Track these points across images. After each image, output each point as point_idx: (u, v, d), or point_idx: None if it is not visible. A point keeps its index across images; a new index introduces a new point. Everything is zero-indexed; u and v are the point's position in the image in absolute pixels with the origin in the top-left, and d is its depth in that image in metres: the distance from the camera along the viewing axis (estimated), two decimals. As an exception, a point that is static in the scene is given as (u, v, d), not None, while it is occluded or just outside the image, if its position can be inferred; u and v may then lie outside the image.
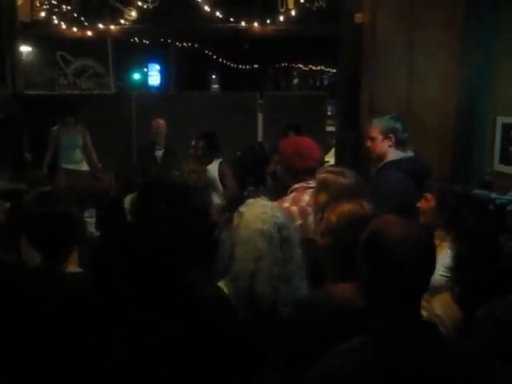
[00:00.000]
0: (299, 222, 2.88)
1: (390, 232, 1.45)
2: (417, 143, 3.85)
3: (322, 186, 2.64)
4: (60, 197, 2.12)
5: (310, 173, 3.02)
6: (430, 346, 1.36)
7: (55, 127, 6.76)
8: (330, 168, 2.82)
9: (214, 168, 5.36)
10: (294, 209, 2.92)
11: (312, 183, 2.94)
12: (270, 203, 2.21)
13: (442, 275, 2.35)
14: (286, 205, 2.94)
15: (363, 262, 1.47)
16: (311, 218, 2.80)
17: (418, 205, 2.97)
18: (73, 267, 2.18)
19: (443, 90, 5.04)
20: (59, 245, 1.98)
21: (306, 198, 2.93)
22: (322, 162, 3.42)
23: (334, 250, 1.98)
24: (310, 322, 1.83)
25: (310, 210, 2.81)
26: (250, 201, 2.20)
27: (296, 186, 3.05)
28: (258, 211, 2.15)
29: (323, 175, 2.68)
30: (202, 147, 5.48)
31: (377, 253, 1.44)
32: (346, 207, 2.10)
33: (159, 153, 6.36)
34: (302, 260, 2.17)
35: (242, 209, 2.14)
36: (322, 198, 2.59)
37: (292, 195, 3.02)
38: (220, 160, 5.58)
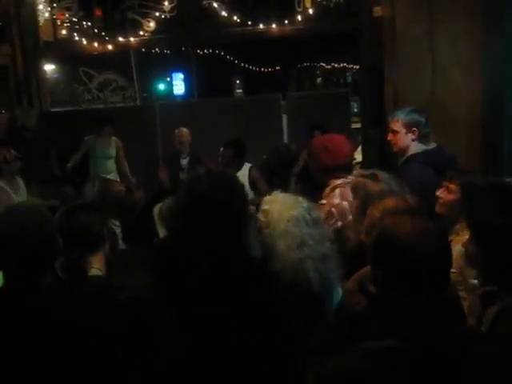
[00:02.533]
0: (350, 216, 2.83)
1: (401, 231, 1.39)
2: (443, 134, 3.78)
3: (353, 191, 2.62)
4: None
5: (341, 169, 3.00)
6: (458, 346, 1.29)
7: (91, 136, 6.88)
8: (362, 172, 2.78)
9: (243, 174, 5.34)
10: (346, 204, 2.89)
11: (347, 179, 2.92)
12: (286, 193, 2.20)
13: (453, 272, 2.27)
14: (337, 201, 2.92)
15: (376, 266, 1.41)
16: None
17: (438, 193, 2.85)
18: (95, 271, 2.21)
19: (467, 78, 4.93)
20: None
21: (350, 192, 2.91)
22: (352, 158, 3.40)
23: None
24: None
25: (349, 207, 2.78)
26: (268, 198, 2.18)
27: (337, 181, 3.02)
28: (281, 201, 2.14)
29: (354, 181, 2.66)
30: (230, 155, 5.49)
31: (389, 253, 1.38)
32: (390, 202, 2.07)
33: (184, 161, 6.39)
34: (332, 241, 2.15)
35: (264, 207, 2.12)
36: (354, 203, 2.61)
37: (338, 191, 2.99)
38: (250, 165, 5.58)
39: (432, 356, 1.28)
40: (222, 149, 5.56)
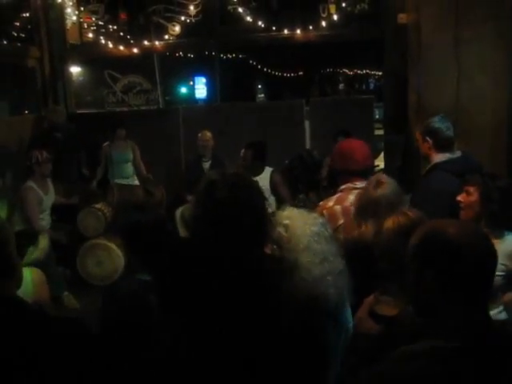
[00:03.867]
0: (341, 221, 2.92)
1: (449, 232, 1.38)
2: (469, 142, 3.76)
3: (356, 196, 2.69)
4: None
5: (353, 174, 3.04)
6: (501, 349, 1.29)
7: (106, 143, 6.91)
8: (381, 176, 2.82)
9: (265, 177, 5.36)
10: (338, 208, 3.00)
11: (359, 184, 2.96)
12: (300, 209, 2.23)
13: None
14: (330, 204, 3.03)
15: (426, 267, 1.39)
16: None
17: (458, 198, 2.84)
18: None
19: (493, 86, 4.90)
20: None
21: (351, 197, 2.97)
22: (371, 165, 3.42)
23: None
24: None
25: (353, 209, 2.83)
26: (285, 213, 2.18)
27: (343, 186, 3.11)
28: (301, 217, 2.14)
29: (370, 179, 2.72)
30: (250, 156, 5.51)
31: (441, 253, 1.36)
32: (390, 223, 2.09)
33: (207, 165, 6.42)
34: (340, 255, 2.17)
35: (284, 222, 2.13)
36: (354, 206, 2.72)
37: (337, 195, 3.09)
38: (271, 169, 5.59)
39: (485, 354, 1.28)
40: (243, 150, 5.60)
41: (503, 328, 1.37)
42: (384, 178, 2.71)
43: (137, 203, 5.91)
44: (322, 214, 2.98)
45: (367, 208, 2.58)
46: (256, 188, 1.69)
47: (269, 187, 5.31)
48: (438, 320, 1.36)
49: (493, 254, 1.39)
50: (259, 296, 1.56)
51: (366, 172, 3.14)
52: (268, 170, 5.56)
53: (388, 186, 2.63)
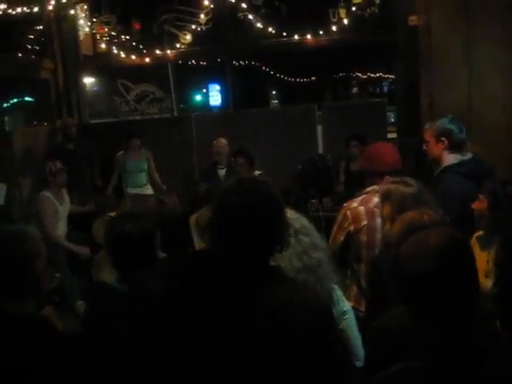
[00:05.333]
0: (365, 222, 2.91)
1: (404, 245, 1.37)
2: (481, 144, 3.73)
3: (385, 198, 2.66)
4: None
5: (381, 176, 3.03)
6: (478, 365, 1.26)
7: (120, 152, 6.95)
8: (392, 179, 2.82)
9: None
10: (361, 209, 3.03)
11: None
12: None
13: None
14: (354, 205, 3.03)
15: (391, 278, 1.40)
16: (379, 220, 2.85)
17: (473, 206, 2.82)
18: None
19: (505, 88, 4.86)
20: None
21: (376, 200, 2.97)
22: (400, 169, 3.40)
23: None
24: (384, 347, 1.77)
25: (377, 211, 2.86)
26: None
27: (369, 188, 3.14)
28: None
29: (385, 187, 2.69)
30: (244, 163, 5.56)
31: (393, 269, 1.37)
32: (406, 217, 2.08)
33: (222, 172, 6.41)
34: (326, 247, 2.18)
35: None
36: (386, 209, 2.63)
37: (362, 197, 3.12)
38: (259, 173, 5.63)
39: (445, 371, 1.25)
40: (232, 159, 5.63)
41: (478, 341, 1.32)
42: (404, 178, 2.71)
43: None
44: (345, 215, 3.00)
45: (407, 203, 2.51)
46: (273, 195, 1.65)
47: None
48: (411, 337, 1.34)
49: (449, 270, 1.33)
50: (270, 308, 1.54)
51: (393, 175, 3.14)
52: (256, 174, 5.60)
53: (412, 181, 2.63)
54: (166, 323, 1.56)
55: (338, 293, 2.36)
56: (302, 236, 2.11)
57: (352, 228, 3.00)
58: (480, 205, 2.76)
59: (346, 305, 2.38)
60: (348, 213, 3.02)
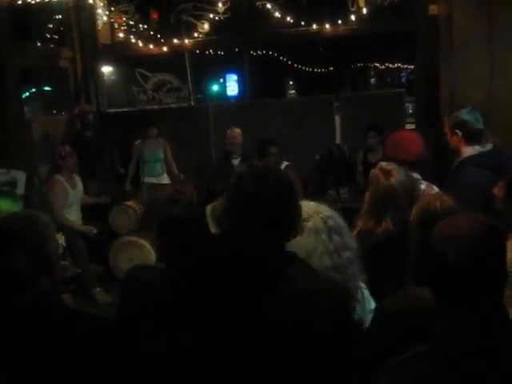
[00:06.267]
0: None
1: (438, 229, 1.32)
2: (502, 136, 3.67)
3: (370, 182, 2.74)
4: None
5: (405, 165, 3.02)
6: (495, 357, 1.22)
7: (138, 141, 6.97)
8: (383, 164, 2.82)
9: None
10: None
11: None
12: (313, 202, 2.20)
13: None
14: None
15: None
16: None
17: (494, 191, 2.75)
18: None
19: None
20: None
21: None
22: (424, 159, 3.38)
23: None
24: (393, 330, 1.76)
25: (366, 205, 2.81)
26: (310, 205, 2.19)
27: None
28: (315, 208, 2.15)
29: (374, 171, 2.70)
30: (276, 152, 5.53)
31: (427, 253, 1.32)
32: (421, 203, 2.12)
33: (236, 161, 6.40)
34: (355, 246, 2.14)
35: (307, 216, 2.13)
36: (368, 193, 2.72)
37: None
38: (286, 164, 5.59)
39: (466, 363, 1.23)
40: (263, 147, 5.60)
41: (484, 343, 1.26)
42: (388, 166, 2.72)
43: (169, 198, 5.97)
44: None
45: (384, 199, 2.57)
46: (286, 181, 1.65)
47: None
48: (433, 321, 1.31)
49: (484, 258, 1.27)
50: (285, 294, 1.54)
51: (418, 165, 3.13)
52: (283, 165, 5.58)
53: (398, 172, 2.65)
54: (191, 302, 1.58)
55: (365, 292, 2.34)
56: (334, 234, 2.08)
57: None
58: (499, 191, 2.72)
59: (373, 304, 2.36)
60: None
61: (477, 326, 1.26)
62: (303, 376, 1.49)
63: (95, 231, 5.71)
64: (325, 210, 2.13)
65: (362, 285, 2.30)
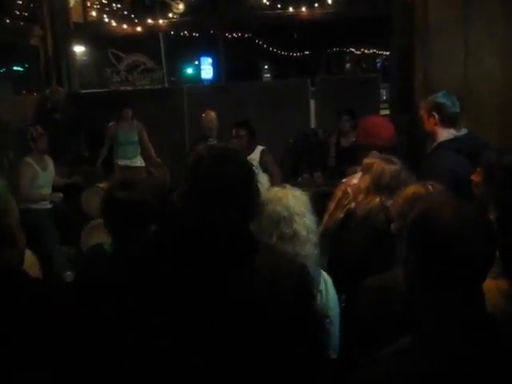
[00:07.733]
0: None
1: (442, 214, 1.23)
2: (477, 121, 3.70)
3: (366, 170, 2.76)
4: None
5: (375, 149, 3.02)
6: (483, 349, 1.19)
7: (112, 123, 6.87)
8: (378, 154, 2.86)
9: (254, 156, 5.33)
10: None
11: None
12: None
13: None
14: (355, 181, 3.03)
15: (410, 250, 1.27)
16: None
17: (472, 177, 2.75)
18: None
19: (502, 65, 4.81)
20: None
21: None
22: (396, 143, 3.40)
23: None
24: (377, 307, 1.78)
25: (365, 184, 2.83)
26: (281, 191, 2.24)
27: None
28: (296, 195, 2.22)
29: (369, 160, 2.73)
30: (245, 135, 5.49)
31: (427, 239, 1.23)
32: (411, 190, 2.14)
33: (212, 144, 6.36)
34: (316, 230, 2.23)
35: (283, 201, 2.16)
36: (365, 181, 2.74)
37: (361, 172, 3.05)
38: (262, 148, 5.56)
39: (455, 356, 1.19)
40: (234, 130, 5.56)
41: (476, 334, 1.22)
42: (391, 157, 2.75)
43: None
44: (346, 191, 2.99)
45: (381, 182, 2.62)
46: (243, 161, 1.65)
47: (259, 166, 5.27)
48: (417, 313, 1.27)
49: (490, 244, 1.23)
50: (249, 277, 1.54)
51: (390, 150, 3.12)
52: (259, 149, 5.54)
53: (398, 162, 2.68)
54: (151, 286, 1.57)
55: (328, 279, 2.35)
56: (294, 219, 2.15)
57: (353, 205, 2.96)
58: (477, 177, 2.73)
59: (334, 292, 2.37)
60: (349, 190, 2.98)
61: (472, 317, 1.23)
62: (269, 355, 1.50)
63: (61, 195, 5.69)
64: (290, 194, 2.17)
65: (323, 272, 2.33)
